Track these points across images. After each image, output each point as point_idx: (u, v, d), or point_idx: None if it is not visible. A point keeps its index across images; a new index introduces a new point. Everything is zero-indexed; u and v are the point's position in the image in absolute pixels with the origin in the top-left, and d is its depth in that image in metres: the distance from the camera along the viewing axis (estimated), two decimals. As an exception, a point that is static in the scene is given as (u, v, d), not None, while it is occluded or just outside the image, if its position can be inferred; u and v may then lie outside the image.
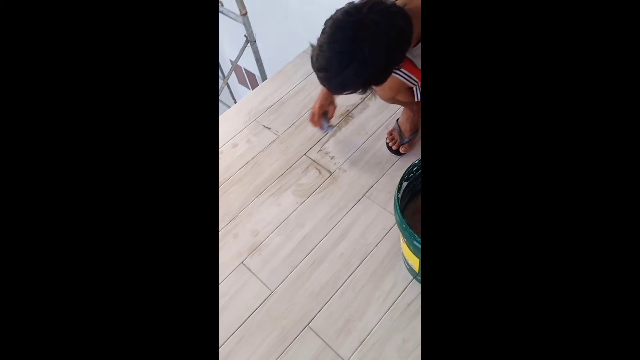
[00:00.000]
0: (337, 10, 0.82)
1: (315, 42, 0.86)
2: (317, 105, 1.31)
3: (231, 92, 2.95)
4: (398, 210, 0.92)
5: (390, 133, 1.37)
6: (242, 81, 3.03)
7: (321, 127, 1.35)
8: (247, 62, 2.56)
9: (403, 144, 1.33)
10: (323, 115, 1.33)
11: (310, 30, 0.89)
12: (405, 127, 1.33)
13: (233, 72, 2.38)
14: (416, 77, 1.07)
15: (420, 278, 1.06)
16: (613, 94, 0.41)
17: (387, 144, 1.36)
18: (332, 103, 1.33)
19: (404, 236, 0.92)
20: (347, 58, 0.80)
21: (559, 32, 0.42)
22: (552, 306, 0.41)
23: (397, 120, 1.37)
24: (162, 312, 0.45)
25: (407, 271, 1.10)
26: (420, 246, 0.87)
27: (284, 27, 2.27)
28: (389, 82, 0.96)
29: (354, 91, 0.88)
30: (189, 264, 0.46)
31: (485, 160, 0.43)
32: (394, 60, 0.87)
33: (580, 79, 0.41)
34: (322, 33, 0.83)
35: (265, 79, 2.43)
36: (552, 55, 0.42)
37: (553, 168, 0.42)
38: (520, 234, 0.42)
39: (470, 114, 0.44)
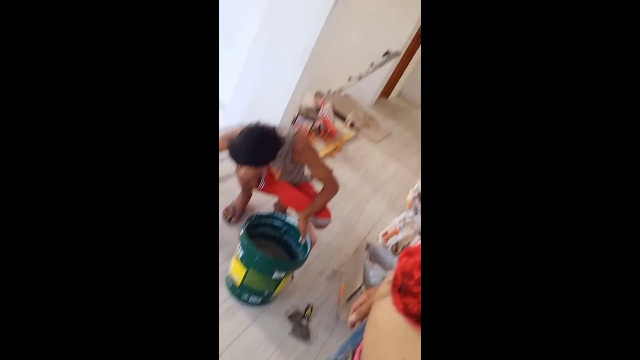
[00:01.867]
0: (249, 124, 1.53)
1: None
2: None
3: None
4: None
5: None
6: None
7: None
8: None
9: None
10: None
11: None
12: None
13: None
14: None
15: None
16: (609, 108, 0.38)
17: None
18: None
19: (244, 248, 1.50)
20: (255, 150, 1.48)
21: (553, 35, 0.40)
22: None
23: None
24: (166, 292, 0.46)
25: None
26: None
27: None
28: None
29: (256, 166, 1.60)
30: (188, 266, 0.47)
31: (483, 162, 0.42)
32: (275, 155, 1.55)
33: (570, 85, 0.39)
34: (239, 135, 1.51)
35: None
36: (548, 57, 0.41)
37: (551, 168, 0.40)
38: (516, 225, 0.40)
39: (467, 116, 0.42)
